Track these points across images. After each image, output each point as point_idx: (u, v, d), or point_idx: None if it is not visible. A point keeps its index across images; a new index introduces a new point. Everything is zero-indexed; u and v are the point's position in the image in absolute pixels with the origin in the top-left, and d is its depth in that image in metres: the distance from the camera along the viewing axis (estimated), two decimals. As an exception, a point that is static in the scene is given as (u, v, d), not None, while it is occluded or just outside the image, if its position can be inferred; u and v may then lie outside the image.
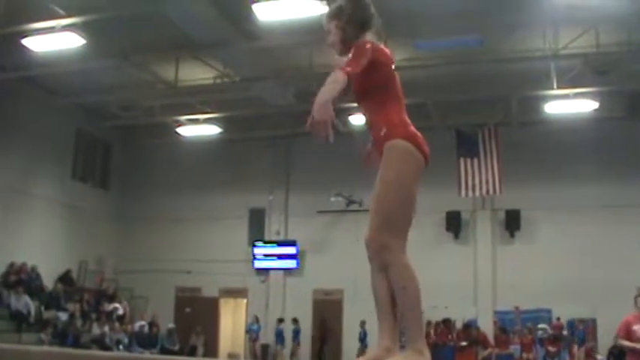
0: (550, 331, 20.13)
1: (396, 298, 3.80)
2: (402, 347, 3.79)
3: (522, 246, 22.13)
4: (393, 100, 3.98)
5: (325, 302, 23.69)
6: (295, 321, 22.76)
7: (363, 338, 21.61)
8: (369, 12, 4.11)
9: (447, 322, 20.86)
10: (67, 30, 16.20)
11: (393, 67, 4.05)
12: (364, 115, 4.09)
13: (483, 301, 21.92)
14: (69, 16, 15.95)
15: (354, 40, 3.99)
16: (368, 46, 3.86)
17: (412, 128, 3.95)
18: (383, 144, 3.87)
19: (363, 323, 21.41)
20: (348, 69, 3.65)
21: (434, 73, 19.36)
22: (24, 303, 19.53)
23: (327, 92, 3.53)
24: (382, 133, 3.88)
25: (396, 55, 18.45)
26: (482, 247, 22.59)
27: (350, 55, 3.82)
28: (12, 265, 20.78)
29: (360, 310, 21.96)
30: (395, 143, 3.86)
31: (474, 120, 21.66)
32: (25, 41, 16.83)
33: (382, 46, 4.03)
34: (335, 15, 4.12)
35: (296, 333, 22.63)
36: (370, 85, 3.93)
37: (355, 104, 4.15)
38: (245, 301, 24.94)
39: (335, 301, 23.57)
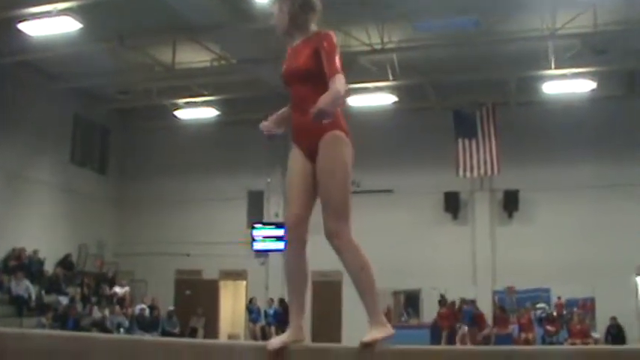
0: (549, 311, 20.22)
1: (354, 279, 3.97)
2: None
3: (521, 226, 22.19)
4: None
5: (324, 284, 23.72)
6: (282, 301, 22.78)
7: None
8: None
9: (446, 303, 20.87)
10: (64, 14, 16.15)
11: None
12: (296, 97, 4.14)
13: (482, 282, 21.99)
14: (65, 0, 15.90)
15: (302, 24, 4.17)
16: (335, 39, 4.07)
17: (345, 122, 4.07)
18: (322, 133, 3.95)
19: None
20: (339, 68, 3.95)
21: (432, 54, 19.37)
22: (24, 287, 19.57)
23: (337, 95, 3.81)
24: (324, 122, 3.89)
25: (395, 36, 18.64)
26: (481, 228, 22.64)
27: (330, 57, 3.98)
28: (13, 250, 20.83)
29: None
30: (338, 135, 4.00)
31: (472, 100, 21.65)
32: (22, 25, 16.77)
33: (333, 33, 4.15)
34: None
35: (281, 313, 22.52)
36: (316, 71, 4.01)
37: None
38: (245, 283, 25.01)
39: (334, 283, 23.59)
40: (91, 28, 17.15)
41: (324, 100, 3.72)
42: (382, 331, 3.80)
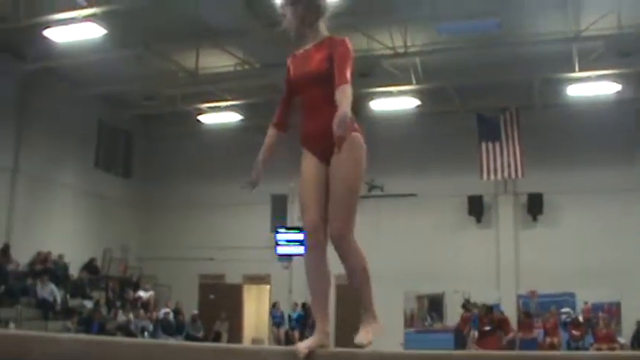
0: (574, 315, 20.04)
1: (355, 277, 4.10)
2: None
3: (545, 230, 22.04)
4: None
5: (348, 287, 23.68)
6: (306, 306, 22.77)
7: None
8: None
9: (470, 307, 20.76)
10: (88, 20, 16.30)
11: None
12: (309, 103, 4.13)
13: (506, 285, 21.85)
14: (90, 6, 16.01)
15: (312, 26, 4.17)
16: (350, 45, 4.07)
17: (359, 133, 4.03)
18: (343, 136, 3.88)
19: None
20: (349, 78, 3.94)
21: (455, 57, 19.32)
22: (50, 291, 19.70)
23: (349, 106, 3.76)
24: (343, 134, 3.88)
25: (418, 39, 18.60)
26: (505, 231, 22.51)
27: (343, 63, 4.00)
28: (38, 254, 21.01)
29: (382, 295, 22.01)
30: (357, 138, 4.01)
31: (495, 104, 21.57)
32: (47, 32, 16.94)
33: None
34: (292, 1, 4.21)
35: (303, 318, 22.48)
36: (331, 74, 4.01)
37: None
38: (268, 287, 25.03)
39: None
40: (116, 34, 17.29)
41: (340, 114, 3.70)
42: (375, 329, 4.03)
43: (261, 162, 4.44)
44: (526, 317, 20.33)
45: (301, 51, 4.24)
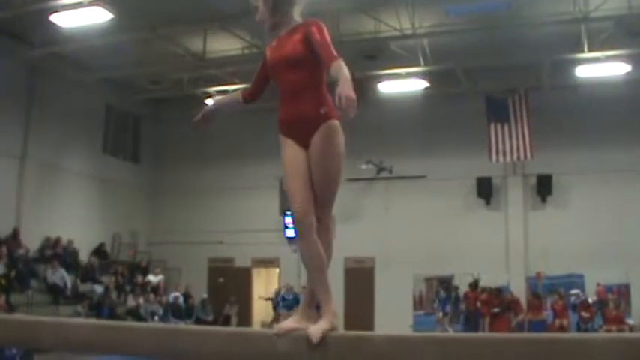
0: (583, 297, 20.02)
1: (310, 264, 4.05)
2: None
3: (554, 211, 21.99)
4: (323, 79, 4.03)
5: (357, 270, 23.76)
6: None
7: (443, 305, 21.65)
8: None
9: (477, 287, 20.81)
10: (95, 4, 16.26)
11: None
12: (286, 88, 4.10)
13: (515, 267, 21.83)
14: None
15: (285, 16, 4.15)
16: (325, 28, 4.01)
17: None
18: (323, 120, 3.94)
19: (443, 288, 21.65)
20: (336, 54, 3.85)
21: (463, 38, 19.23)
22: (60, 276, 19.81)
23: (349, 82, 3.70)
24: (322, 112, 3.95)
25: (426, 21, 18.51)
26: (514, 213, 22.46)
27: (325, 43, 3.92)
28: (47, 239, 21.10)
29: (391, 277, 22.06)
30: (336, 124, 4.00)
31: (504, 85, 21.49)
32: (54, 17, 16.92)
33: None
34: None
35: None
36: (306, 57, 3.99)
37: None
38: (277, 270, 25.08)
39: (367, 269, 23.64)
40: (122, 18, 17.25)
41: (345, 91, 3.64)
42: (329, 323, 3.76)
43: (209, 109, 4.52)
44: (534, 298, 20.32)
45: (276, 40, 4.21)
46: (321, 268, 4.03)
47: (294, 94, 4.03)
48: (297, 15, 4.19)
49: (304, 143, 4.00)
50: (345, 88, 3.64)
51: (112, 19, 17.00)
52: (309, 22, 4.06)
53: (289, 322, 3.82)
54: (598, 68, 19.36)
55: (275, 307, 22.30)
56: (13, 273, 18.64)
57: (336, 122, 3.99)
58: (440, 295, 21.76)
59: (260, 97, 4.50)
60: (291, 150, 4.05)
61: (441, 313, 21.45)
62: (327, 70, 3.88)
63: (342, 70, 3.77)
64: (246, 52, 20.44)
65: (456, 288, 21.60)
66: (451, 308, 21.30)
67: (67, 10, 16.60)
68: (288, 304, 22.61)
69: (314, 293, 4.02)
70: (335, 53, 3.87)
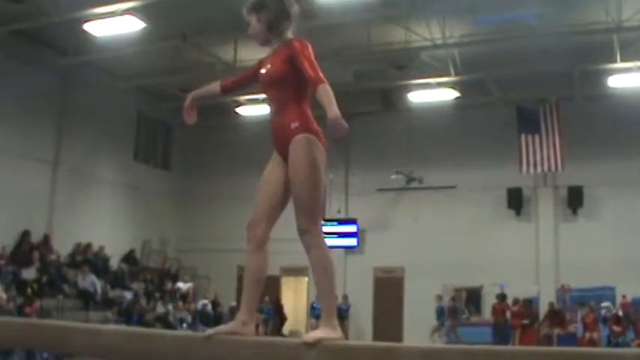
0: (614, 310, 19.77)
1: (316, 278, 4.12)
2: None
3: (585, 223, 21.80)
4: (306, 95, 4.11)
5: (386, 280, 23.72)
6: (345, 298, 22.79)
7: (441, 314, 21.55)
8: (291, 4, 4.35)
9: (505, 298, 20.66)
10: (128, 14, 16.42)
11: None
12: (271, 100, 4.25)
13: (545, 279, 21.63)
14: (129, 0, 16.14)
15: (280, 32, 4.25)
16: (310, 46, 4.11)
17: (316, 125, 4.11)
18: (292, 135, 4.06)
19: (439, 298, 21.51)
20: (322, 76, 3.97)
21: (494, 48, 19.14)
22: (90, 282, 19.95)
23: (335, 105, 3.83)
24: (293, 126, 4.07)
25: (456, 31, 18.49)
26: (545, 225, 22.31)
27: (311, 64, 4.02)
28: (78, 245, 21.29)
29: (421, 287, 21.94)
30: (307, 137, 4.06)
31: (535, 95, 21.36)
32: (87, 26, 17.10)
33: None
34: (257, 7, 4.31)
35: (344, 310, 22.47)
36: (291, 75, 4.10)
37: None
38: (306, 279, 25.07)
39: (396, 279, 23.57)
40: (154, 27, 17.42)
41: (331, 116, 3.79)
42: (328, 333, 3.80)
43: (190, 103, 4.65)
44: (553, 314, 20.00)
45: (269, 54, 4.32)
46: (253, 282, 4.28)
47: (277, 109, 4.21)
48: (290, 32, 4.30)
49: (284, 156, 4.16)
50: (330, 113, 3.79)
51: (143, 28, 17.15)
52: (295, 41, 4.16)
53: (318, 332, 3.83)
54: (631, 78, 19.17)
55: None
56: (44, 278, 18.82)
57: (308, 136, 4.06)
58: (439, 304, 21.60)
59: (238, 91, 4.76)
60: (271, 163, 4.30)
61: (437, 323, 21.36)
62: (313, 91, 3.98)
63: (326, 94, 3.89)
64: (277, 60, 20.48)
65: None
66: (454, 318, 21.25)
67: (100, 19, 16.78)
68: (318, 313, 22.56)
69: (330, 304, 4.05)
70: (321, 75, 3.98)
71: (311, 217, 4.08)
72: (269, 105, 4.29)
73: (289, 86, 4.10)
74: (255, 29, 4.32)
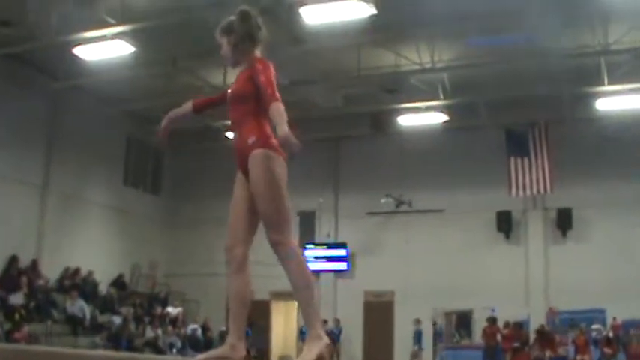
0: (604, 332, 19.78)
1: (297, 293, 4.16)
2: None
3: (575, 245, 21.84)
4: (265, 113, 4.19)
5: (376, 304, 23.67)
6: (337, 321, 22.76)
7: (419, 338, 21.44)
8: (258, 28, 4.46)
9: (495, 321, 20.63)
10: (118, 38, 16.44)
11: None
12: (233, 119, 4.38)
13: (535, 301, 21.65)
14: (119, 24, 16.16)
15: (246, 54, 4.39)
16: (271, 67, 4.25)
17: (274, 140, 4.17)
18: (249, 151, 4.16)
19: (417, 321, 21.40)
20: (277, 95, 4.09)
21: (483, 71, 19.27)
22: (79, 307, 19.81)
23: (285, 123, 3.98)
24: (250, 142, 4.17)
25: (445, 55, 18.58)
26: (534, 247, 22.35)
27: (268, 82, 4.14)
28: (67, 269, 21.18)
29: (411, 311, 21.89)
30: (263, 152, 4.16)
31: (524, 118, 21.45)
32: (77, 50, 17.11)
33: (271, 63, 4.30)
34: (226, 31, 4.48)
35: (336, 334, 22.43)
36: (250, 93, 4.23)
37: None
38: (296, 303, 24.93)
39: (386, 303, 23.52)
40: (144, 51, 17.44)
41: (281, 133, 3.94)
42: (318, 345, 3.93)
43: (167, 124, 5.00)
44: (540, 335, 19.96)
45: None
46: (238, 304, 4.42)
47: (237, 126, 4.32)
48: (258, 53, 4.42)
49: (246, 173, 4.25)
50: (280, 130, 3.94)
51: (133, 52, 17.18)
52: (258, 61, 4.29)
53: (308, 355, 3.90)
54: (619, 101, 19.28)
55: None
56: (32, 303, 18.69)
57: (265, 151, 4.16)
58: (417, 328, 21.51)
59: (206, 110, 4.99)
60: (236, 181, 4.41)
61: (416, 347, 21.28)
62: (267, 108, 4.10)
63: (278, 112, 4.03)
64: (267, 85, 20.54)
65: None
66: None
67: (90, 43, 16.80)
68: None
69: (312, 314, 4.12)
70: (275, 94, 4.10)
71: (279, 228, 4.18)
72: (231, 124, 4.39)
73: (249, 103, 4.23)
74: (225, 51, 4.50)
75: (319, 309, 4.25)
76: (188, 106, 4.94)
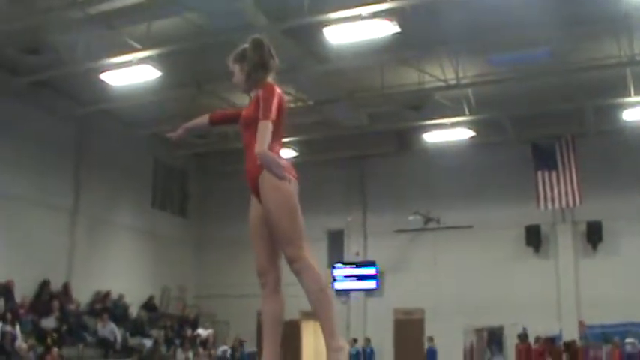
0: (639, 346, 19.54)
1: (313, 300, 4.32)
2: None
3: (606, 258, 21.62)
4: (274, 135, 4.19)
5: (406, 321, 23.55)
6: (368, 341, 22.66)
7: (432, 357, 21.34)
8: (270, 56, 4.63)
9: (526, 338, 20.46)
10: (143, 63, 16.61)
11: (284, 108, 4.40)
12: (244, 142, 4.41)
13: (567, 316, 21.43)
14: (145, 49, 16.33)
15: (258, 81, 4.47)
16: (277, 91, 4.36)
17: (283, 161, 4.21)
18: (258, 172, 4.18)
19: (430, 339, 21.37)
20: (271, 116, 4.14)
21: (508, 87, 19.22)
22: (110, 330, 19.91)
23: (264, 142, 4.01)
24: (259, 164, 4.13)
25: (469, 71, 18.57)
26: (564, 261, 22.15)
27: (264, 102, 4.22)
28: (98, 293, 21.31)
29: (442, 328, 21.77)
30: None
31: (550, 132, 21.35)
32: (104, 75, 17.31)
33: (279, 89, 4.44)
34: (239, 59, 4.63)
35: (369, 353, 22.37)
36: (257, 117, 4.23)
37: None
38: (325, 322, 24.87)
39: (416, 320, 23.41)
40: (169, 75, 17.59)
41: (257, 150, 4.00)
42: (342, 356, 4.08)
43: (183, 127, 5.24)
44: (566, 349, 19.79)
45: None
46: (272, 324, 4.60)
47: (246, 149, 4.35)
48: (270, 80, 4.53)
49: (257, 195, 4.29)
50: (257, 148, 4.00)
51: (159, 77, 17.35)
52: (266, 85, 4.39)
53: None
54: (645, 112, 19.16)
55: None
56: (64, 327, 18.82)
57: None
58: (431, 346, 21.45)
59: (224, 125, 5.21)
60: (252, 205, 4.42)
61: None
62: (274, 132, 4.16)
63: (264, 130, 4.06)
64: (292, 105, 20.61)
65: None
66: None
67: (116, 68, 16.98)
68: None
69: (330, 321, 4.34)
70: (267, 114, 4.14)
71: (293, 245, 4.25)
72: (243, 148, 4.44)
73: (254, 129, 4.22)
74: (237, 78, 4.62)
75: (337, 318, 4.37)
76: (205, 118, 5.11)
